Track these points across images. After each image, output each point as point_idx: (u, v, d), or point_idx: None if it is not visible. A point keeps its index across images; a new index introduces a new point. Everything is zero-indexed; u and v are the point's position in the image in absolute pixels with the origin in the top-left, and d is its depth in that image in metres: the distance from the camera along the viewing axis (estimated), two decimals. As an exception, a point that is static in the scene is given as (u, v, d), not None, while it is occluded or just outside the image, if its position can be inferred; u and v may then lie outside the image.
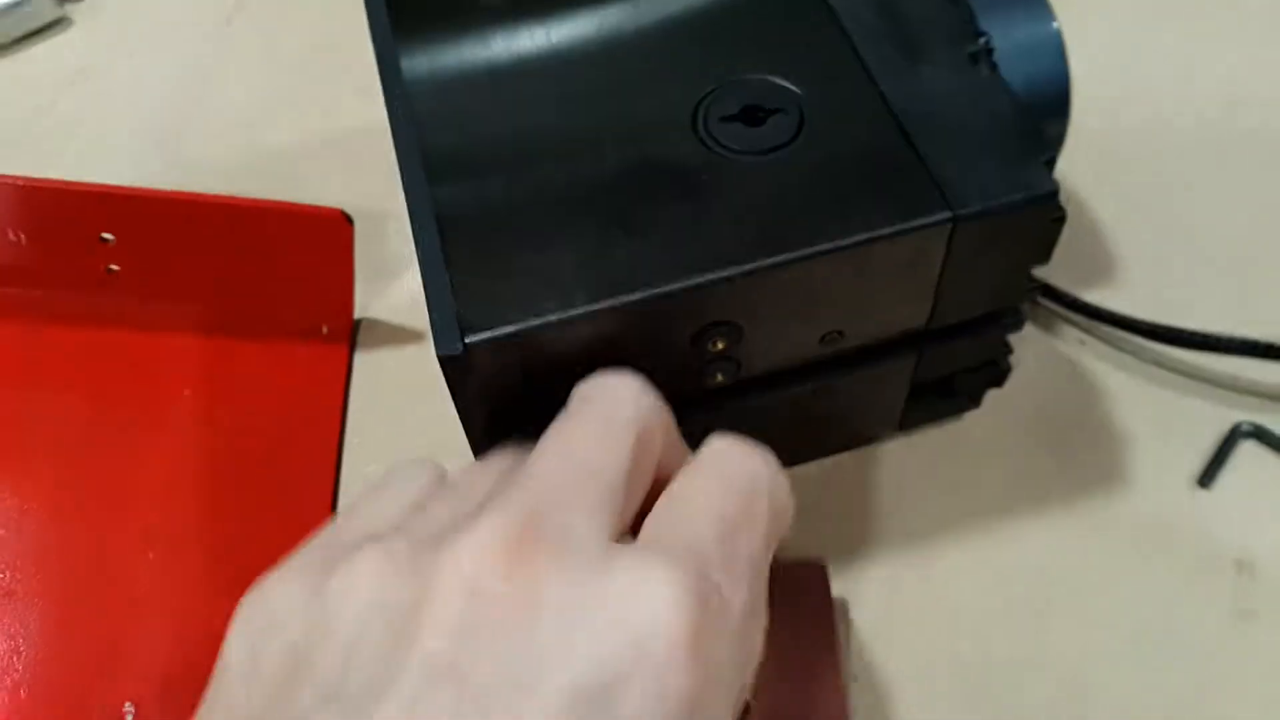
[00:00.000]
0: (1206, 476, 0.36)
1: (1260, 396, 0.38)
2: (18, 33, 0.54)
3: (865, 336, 0.31)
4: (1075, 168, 0.43)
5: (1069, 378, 0.39)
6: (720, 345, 0.29)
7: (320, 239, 0.38)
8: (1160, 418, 0.38)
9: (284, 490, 0.38)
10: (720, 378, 0.31)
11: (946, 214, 0.28)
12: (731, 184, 0.29)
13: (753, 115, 0.30)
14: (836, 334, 0.31)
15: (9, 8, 0.53)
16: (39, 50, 0.54)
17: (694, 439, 0.33)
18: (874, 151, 0.29)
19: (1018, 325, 0.34)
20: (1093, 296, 0.39)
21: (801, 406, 0.34)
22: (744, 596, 0.23)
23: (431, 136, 0.31)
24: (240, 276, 0.40)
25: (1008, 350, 0.35)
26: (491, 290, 0.28)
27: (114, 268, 0.40)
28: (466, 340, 0.27)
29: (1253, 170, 0.44)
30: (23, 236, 0.39)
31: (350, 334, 0.42)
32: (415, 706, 0.19)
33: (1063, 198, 0.29)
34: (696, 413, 0.32)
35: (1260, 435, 0.37)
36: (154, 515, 0.37)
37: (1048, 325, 0.40)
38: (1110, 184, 0.43)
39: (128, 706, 0.33)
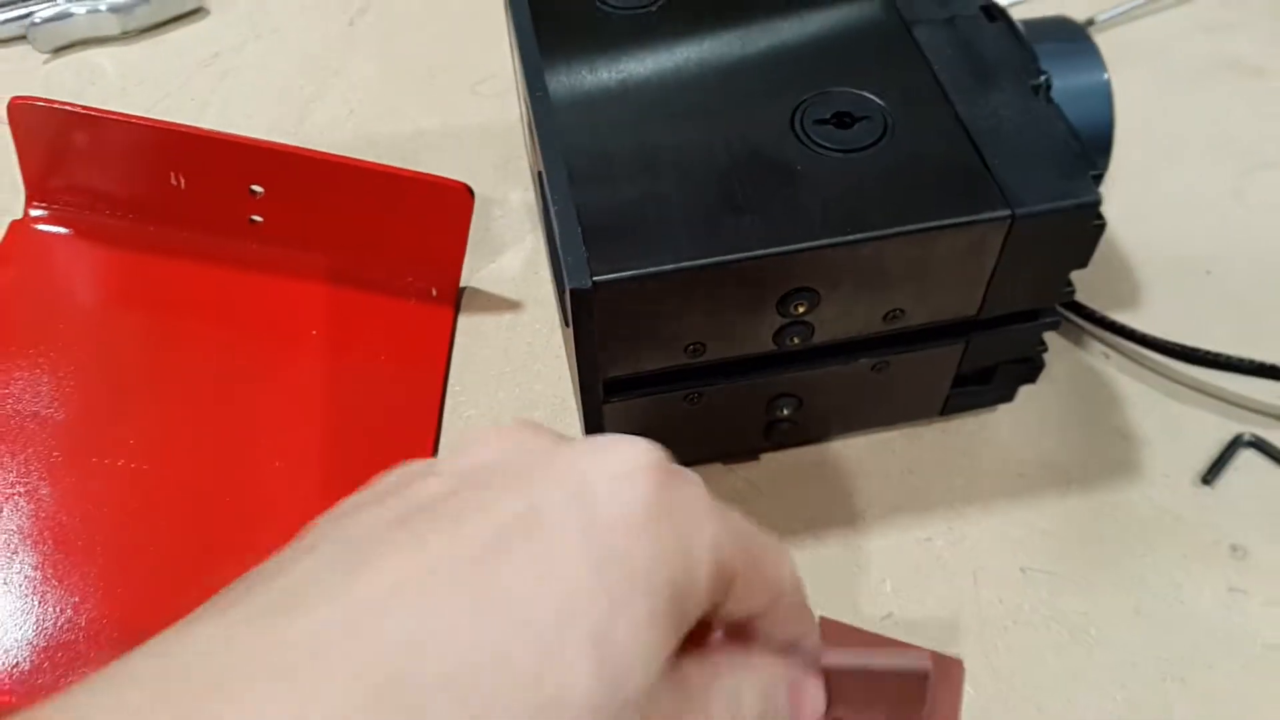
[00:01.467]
0: (1210, 475, 0.41)
1: (1263, 413, 0.42)
2: (160, 18, 0.60)
3: (923, 317, 0.37)
4: (1112, 206, 0.48)
5: (1093, 385, 0.44)
6: (801, 309, 0.35)
7: (443, 207, 0.44)
8: (1172, 424, 0.42)
9: (392, 426, 0.42)
10: (796, 340, 0.36)
11: (1006, 211, 0.33)
12: (822, 175, 0.34)
13: (843, 120, 0.36)
14: (899, 312, 0.36)
15: (155, -6, 0.59)
16: (176, 35, 0.60)
17: (766, 397, 0.38)
18: (947, 157, 0.35)
19: (1055, 324, 0.39)
20: (1118, 315, 0.44)
21: (860, 379, 0.39)
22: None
23: (567, 125, 0.36)
24: (367, 235, 0.45)
25: (1043, 347, 0.40)
26: (617, 241, 0.33)
27: (257, 218, 0.45)
28: (595, 278, 0.32)
29: (1265, 215, 0.49)
30: (183, 180, 0.44)
31: (456, 299, 0.47)
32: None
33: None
34: (771, 372, 0.37)
35: (1260, 446, 0.41)
36: (282, 436, 0.41)
37: (1077, 339, 0.45)
38: (1141, 225, 0.49)
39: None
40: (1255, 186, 0.51)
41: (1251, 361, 0.42)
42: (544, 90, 0.37)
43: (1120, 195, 0.49)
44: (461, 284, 0.47)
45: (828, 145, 0.35)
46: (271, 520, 0.39)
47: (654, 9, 0.40)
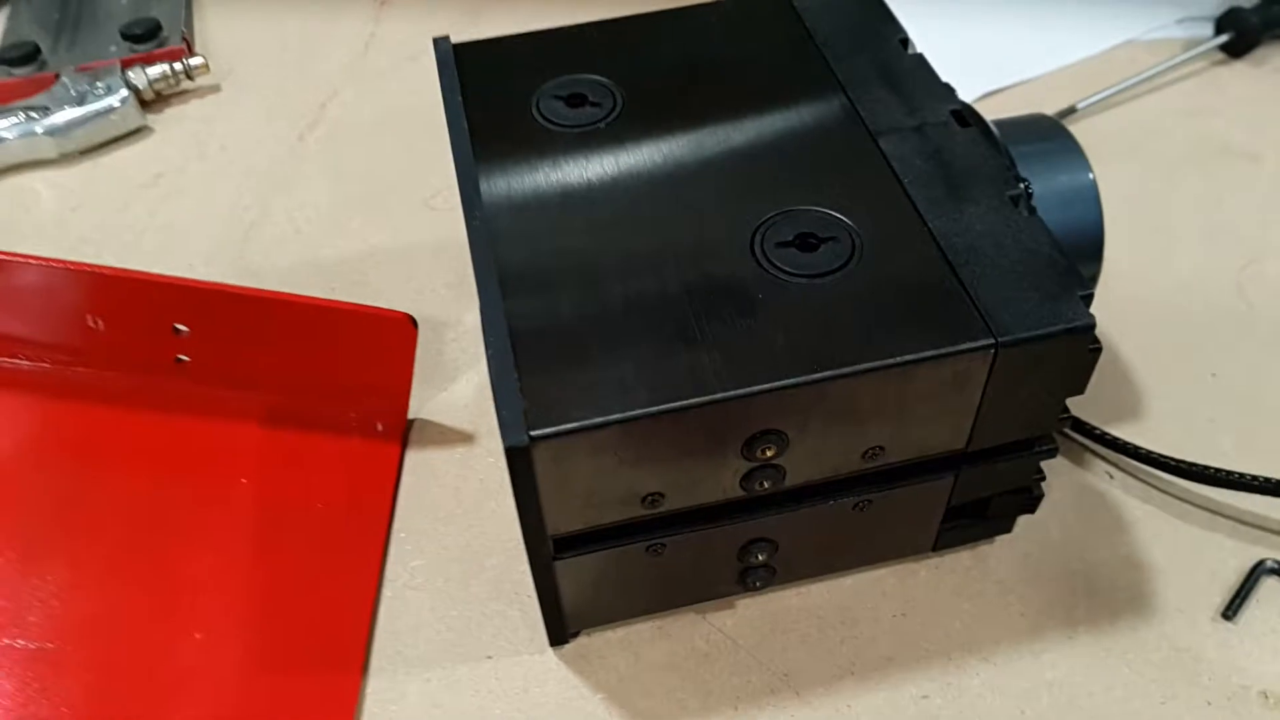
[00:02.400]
0: (1231, 610, 0.37)
1: (1284, 536, 0.39)
2: (101, 138, 0.57)
3: (906, 453, 0.33)
4: (1108, 310, 0.45)
5: (1097, 509, 0.40)
6: (769, 453, 0.31)
7: (385, 340, 0.40)
8: (1185, 551, 0.39)
9: (330, 581, 0.39)
10: (767, 485, 0.32)
11: (989, 341, 0.30)
12: (786, 304, 0.31)
13: (807, 242, 0.33)
14: (878, 450, 0.32)
15: (96, 115, 0.56)
16: (117, 156, 0.57)
17: (738, 543, 0.34)
18: (921, 280, 0.31)
19: (1051, 453, 0.35)
20: (1122, 432, 0.41)
21: (841, 519, 0.35)
22: None
23: (506, 251, 0.33)
24: (304, 372, 0.42)
25: (1040, 477, 0.36)
26: (558, 390, 0.29)
27: (183, 358, 0.42)
28: (532, 433, 0.29)
29: (1270, 309, 0.46)
30: (100, 322, 0.41)
31: (403, 433, 0.43)
32: None
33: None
34: (741, 517, 0.34)
35: (1284, 573, 0.38)
36: (203, 598, 0.38)
37: (1078, 459, 0.41)
38: (1140, 327, 0.45)
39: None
40: (1258, 279, 0.48)
41: (1269, 480, 0.38)
42: (480, 209, 0.34)
43: (1114, 296, 0.46)
44: (410, 415, 0.44)
45: (791, 271, 0.32)
46: (187, 702, 0.35)
47: (601, 126, 0.37)
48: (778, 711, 0.35)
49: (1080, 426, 0.41)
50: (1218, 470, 0.39)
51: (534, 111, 0.37)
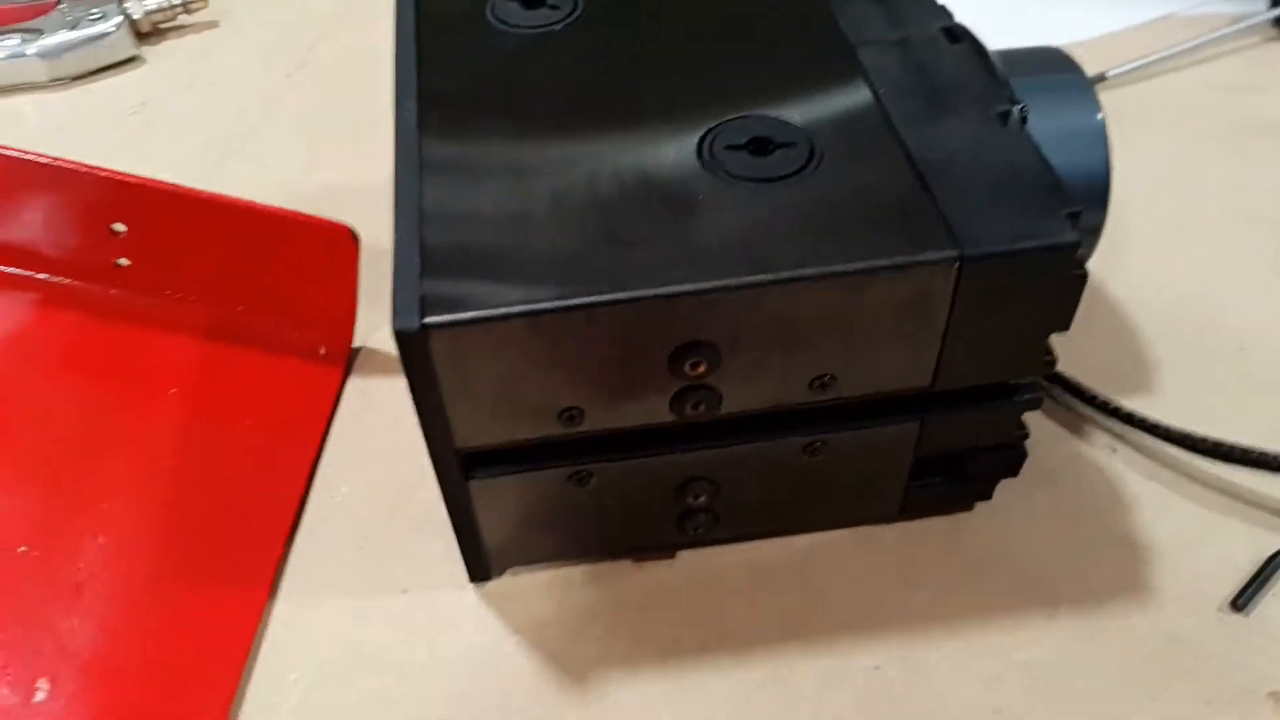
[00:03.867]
0: (1242, 599, 0.32)
1: (1306, 525, 0.34)
2: (93, 64, 0.56)
3: (861, 387, 0.29)
4: (1117, 267, 0.41)
5: (1095, 484, 0.36)
6: (699, 369, 0.28)
7: (325, 253, 0.38)
8: (1192, 535, 0.34)
9: (248, 500, 0.36)
10: (701, 408, 0.29)
11: (953, 252, 0.26)
12: (728, 208, 0.28)
13: (762, 147, 0.29)
14: (828, 379, 0.29)
15: (88, 40, 0.55)
16: (106, 84, 0.56)
17: (674, 480, 0.31)
18: (883, 190, 0.28)
19: (1035, 403, 0.31)
20: (1127, 401, 0.37)
21: (791, 464, 0.31)
22: None
23: (432, 143, 0.30)
24: (245, 284, 0.40)
25: (1023, 433, 0.32)
26: (462, 277, 0.26)
27: (123, 262, 0.40)
28: (426, 320, 0.25)
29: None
30: (38, 217, 0.39)
31: (346, 359, 0.40)
32: None
33: (1097, 282, 0.27)
34: (676, 449, 0.30)
35: (1304, 565, 0.33)
36: (113, 503, 0.35)
37: (1076, 428, 0.37)
38: (1152, 286, 0.41)
39: (41, 683, 0.31)
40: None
41: (1290, 459, 0.34)
42: (412, 104, 0.31)
43: (1135, 264, 0.42)
44: (358, 343, 0.41)
45: (738, 174, 0.29)
46: (81, 606, 0.32)
47: (556, 28, 0.34)
48: (710, 670, 0.31)
49: (1081, 393, 0.37)
50: (1235, 446, 0.34)
51: (489, 14, 0.35)
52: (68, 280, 0.40)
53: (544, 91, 0.32)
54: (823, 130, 0.30)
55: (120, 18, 0.56)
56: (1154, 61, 0.51)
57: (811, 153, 0.29)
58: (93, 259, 0.39)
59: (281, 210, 0.37)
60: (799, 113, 0.30)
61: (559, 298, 0.26)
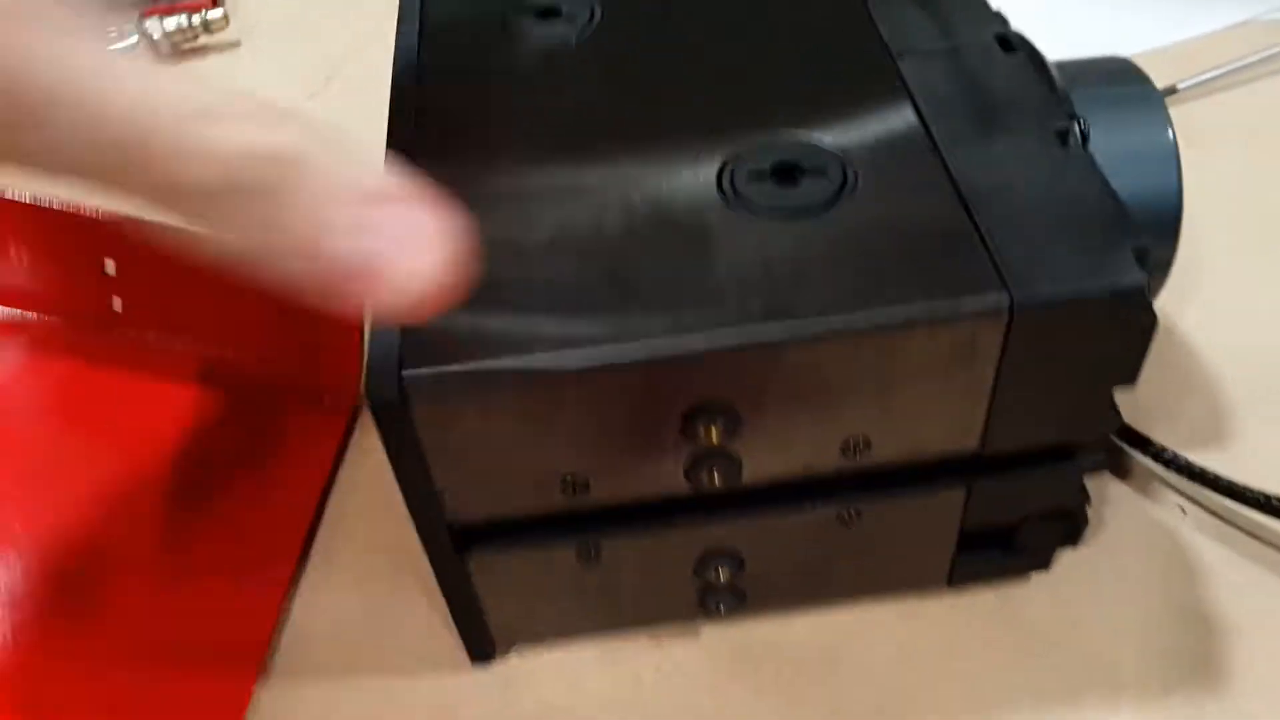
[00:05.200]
0: (1335, 690, 0.29)
1: None
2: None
3: (899, 451, 0.26)
4: (1188, 303, 0.37)
5: (1164, 551, 0.32)
6: (714, 435, 0.24)
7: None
8: (1273, 610, 0.30)
9: (238, 565, 0.33)
10: (718, 478, 0.25)
11: (1002, 297, 0.23)
12: (750, 245, 0.25)
13: (787, 174, 0.26)
14: (862, 442, 0.25)
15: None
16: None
17: (692, 555, 0.28)
18: (925, 223, 0.25)
19: (1098, 465, 0.28)
20: (1199, 457, 0.33)
21: (822, 536, 0.28)
22: None
23: (425, 169, 0.27)
24: (244, 327, 0.38)
25: (1085, 499, 0.29)
26: (449, 325, 0.24)
27: (117, 304, 0.38)
28: (405, 373, 0.23)
29: None
30: (25, 258, 0.37)
31: (352, 407, 0.38)
32: None
33: (1167, 321, 0.23)
34: (694, 521, 0.27)
35: None
36: (95, 563, 0.33)
37: (1142, 487, 0.33)
38: (1229, 325, 0.37)
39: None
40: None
41: (1392, 527, 0.30)
42: (407, 122, 0.29)
43: (1210, 299, 0.38)
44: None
45: (762, 207, 0.25)
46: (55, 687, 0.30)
47: (571, 40, 0.31)
48: (731, 768, 0.28)
49: (1146, 445, 0.33)
50: (1325, 512, 0.31)
51: (500, 26, 0.32)
52: (60, 321, 0.38)
53: (552, 111, 0.29)
54: (857, 153, 0.26)
55: (136, 37, 0.54)
56: (1231, 71, 0.47)
57: (844, 181, 0.26)
58: (85, 301, 0.37)
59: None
60: (831, 133, 0.27)
61: (557, 352, 0.23)
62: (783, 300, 0.23)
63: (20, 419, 0.37)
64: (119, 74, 0.18)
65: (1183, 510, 0.33)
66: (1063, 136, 0.27)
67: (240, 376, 0.38)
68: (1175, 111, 0.31)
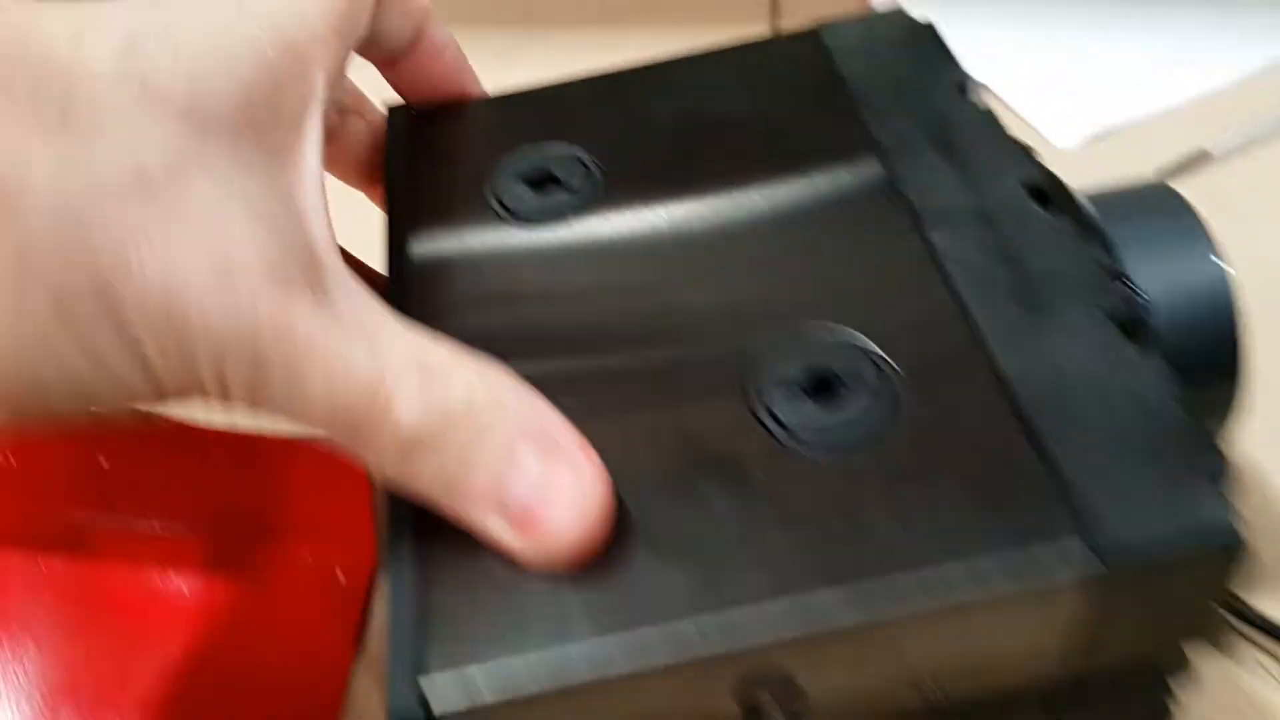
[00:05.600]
0: None
1: None
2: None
3: (973, 689, 0.24)
4: (1252, 430, 0.35)
5: (1248, 716, 0.30)
6: (778, 701, 0.22)
7: (341, 471, 0.33)
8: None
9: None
10: (781, 734, 0.23)
11: (1093, 563, 0.20)
12: (788, 488, 0.22)
13: (821, 384, 0.24)
14: (935, 689, 0.23)
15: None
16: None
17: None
18: (984, 455, 0.22)
19: (1183, 673, 0.25)
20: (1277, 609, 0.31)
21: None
22: None
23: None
24: (247, 507, 0.36)
25: (1171, 698, 0.26)
26: (472, 633, 0.21)
27: (106, 490, 0.36)
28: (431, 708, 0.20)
29: None
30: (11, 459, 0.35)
31: (369, 583, 0.36)
32: None
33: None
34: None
35: None
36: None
37: (1229, 649, 0.31)
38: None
39: None
40: None
41: None
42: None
43: (1260, 407, 0.35)
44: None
45: (798, 434, 0.23)
46: None
47: (567, 215, 0.29)
48: None
49: (1234, 608, 0.31)
50: None
51: (488, 195, 0.29)
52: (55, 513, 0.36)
53: (546, 309, 0.27)
54: (896, 349, 0.24)
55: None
56: (1266, 128, 0.44)
57: (887, 395, 0.23)
58: (77, 494, 0.35)
59: (283, 440, 0.33)
60: (864, 327, 0.25)
61: (597, 662, 0.21)
62: (843, 565, 0.21)
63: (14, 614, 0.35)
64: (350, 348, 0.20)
65: (1268, 671, 0.31)
66: (1117, 318, 0.24)
67: (242, 559, 0.36)
68: (1206, 177, 0.29)
